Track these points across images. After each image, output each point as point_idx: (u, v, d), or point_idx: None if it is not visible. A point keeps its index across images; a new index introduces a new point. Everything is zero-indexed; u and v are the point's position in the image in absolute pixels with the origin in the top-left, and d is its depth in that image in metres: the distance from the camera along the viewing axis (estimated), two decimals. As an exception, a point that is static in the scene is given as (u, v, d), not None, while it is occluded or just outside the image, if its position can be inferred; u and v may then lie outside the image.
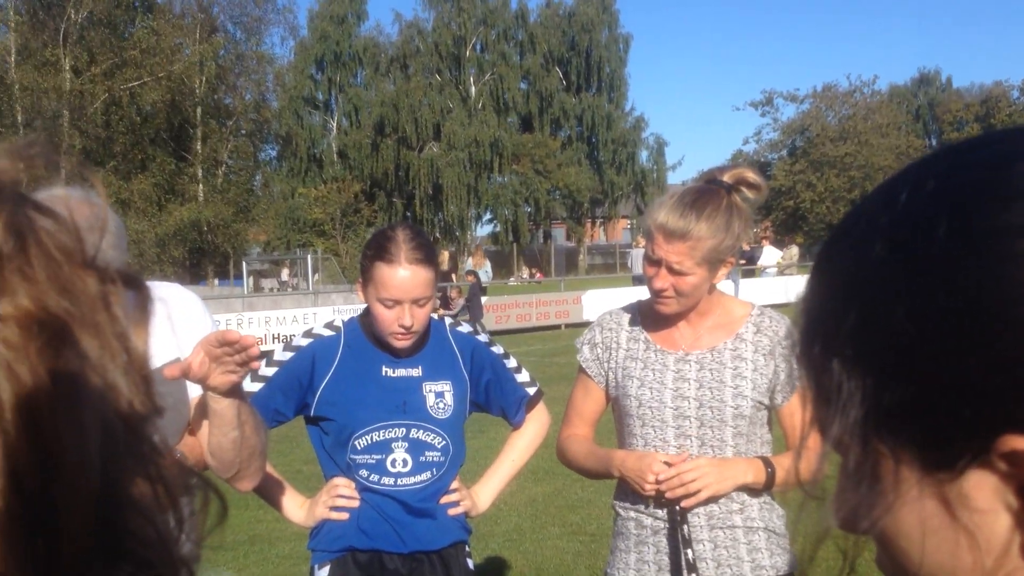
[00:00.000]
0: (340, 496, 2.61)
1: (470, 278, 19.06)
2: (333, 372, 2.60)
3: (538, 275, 39.68)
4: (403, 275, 2.49)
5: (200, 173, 37.86)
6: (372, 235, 2.65)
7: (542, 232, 51.82)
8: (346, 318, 2.75)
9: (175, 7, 37.52)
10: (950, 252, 0.50)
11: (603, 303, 20.48)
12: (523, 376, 2.83)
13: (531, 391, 2.82)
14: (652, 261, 2.33)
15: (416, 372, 2.63)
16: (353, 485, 2.61)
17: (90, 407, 0.44)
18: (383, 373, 2.61)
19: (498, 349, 2.81)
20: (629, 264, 25.26)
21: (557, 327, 20.53)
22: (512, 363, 2.82)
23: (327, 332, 2.68)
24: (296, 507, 2.67)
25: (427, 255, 2.54)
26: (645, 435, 2.41)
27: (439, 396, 2.63)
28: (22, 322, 0.42)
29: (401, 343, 2.56)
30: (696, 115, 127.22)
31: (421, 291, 2.52)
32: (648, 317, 2.49)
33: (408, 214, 46.01)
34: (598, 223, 55.96)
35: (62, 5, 32.47)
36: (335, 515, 2.60)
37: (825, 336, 0.56)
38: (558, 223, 52.45)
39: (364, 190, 43.22)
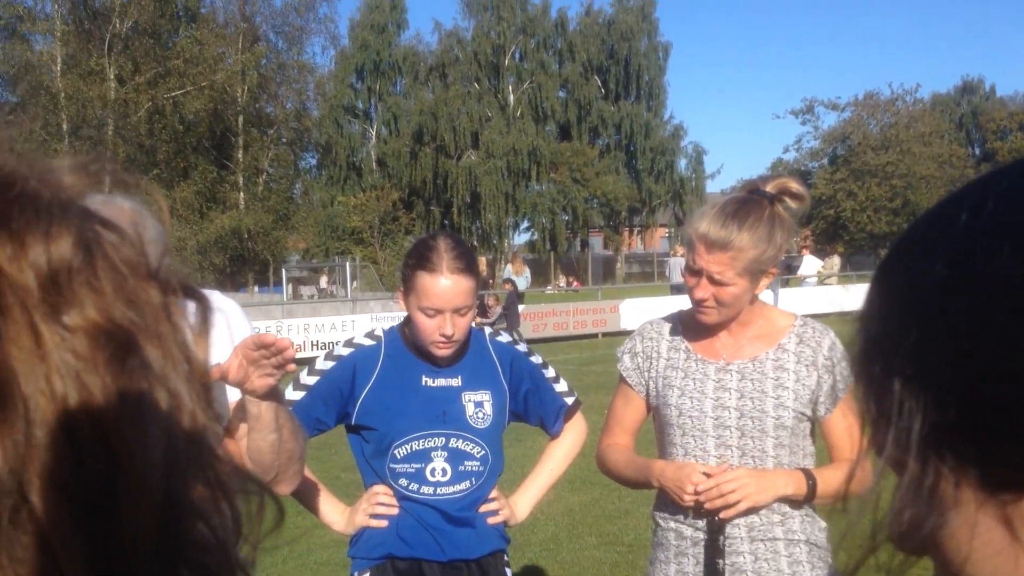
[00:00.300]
0: (380, 504, 2.62)
1: (507, 286, 19.07)
2: (374, 381, 2.62)
3: (575, 284, 39.63)
4: (444, 284, 2.50)
5: (241, 181, 38.31)
6: (413, 244, 2.66)
7: (579, 240, 51.76)
8: (386, 327, 2.77)
9: (218, 17, 38.06)
10: (1012, 272, 0.50)
11: (640, 312, 20.39)
12: (561, 386, 2.83)
13: (569, 401, 2.82)
14: (693, 271, 2.33)
15: (456, 382, 2.64)
16: (392, 493, 2.62)
17: (155, 416, 0.45)
18: (423, 383, 2.62)
19: (537, 359, 2.81)
20: (667, 273, 25.07)
21: (594, 336, 20.49)
22: (551, 373, 2.82)
23: (368, 342, 2.70)
24: (336, 514, 2.69)
25: (468, 264, 2.55)
26: (685, 445, 2.40)
27: (478, 406, 2.64)
28: (90, 333, 0.42)
29: (442, 352, 2.57)
30: (735, 123, 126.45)
31: (462, 300, 2.53)
32: (689, 327, 2.48)
33: (446, 222, 46.17)
34: (635, 232, 55.80)
35: (107, 15, 33.02)
36: (375, 523, 2.62)
37: (885, 355, 0.55)
38: (595, 231, 52.36)
39: (402, 198, 43.45)
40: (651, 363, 2.51)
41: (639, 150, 50.87)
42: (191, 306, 0.49)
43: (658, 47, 51.71)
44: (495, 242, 46.94)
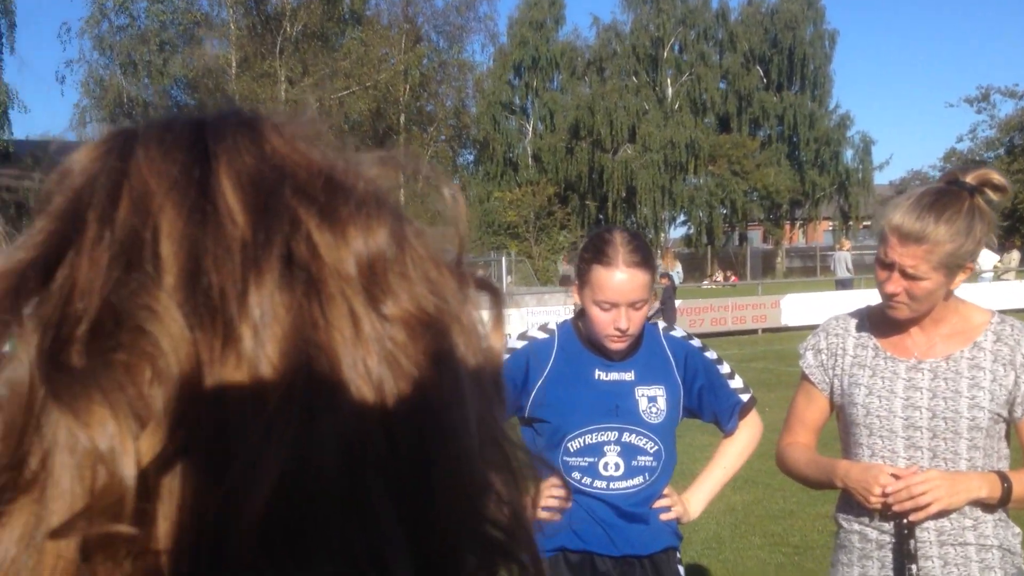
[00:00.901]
0: (552, 496, 2.63)
1: (664, 281, 18.86)
2: (547, 374, 2.64)
3: (733, 278, 38.84)
4: (620, 278, 2.49)
5: (402, 179, 39.27)
6: (589, 238, 2.67)
7: (737, 234, 50.70)
8: (539, 321, 2.78)
9: (382, 19, 39.11)
10: None
11: (803, 308, 19.81)
12: (736, 382, 2.78)
13: (744, 398, 2.77)
14: (884, 264, 2.24)
15: (629, 376, 2.63)
16: (565, 486, 2.63)
17: (469, 402, 0.46)
18: (596, 376, 2.63)
19: (712, 354, 2.77)
20: (832, 267, 24.25)
21: (753, 332, 20.04)
22: (725, 369, 2.78)
23: (541, 335, 2.72)
24: None
25: (644, 258, 2.53)
26: (872, 445, 2.32)
27: (652, 400, 2.62)
28: (406, 322, 0.43)
29: (616, 345, 2.57)
30: (905, 112, 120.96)
31: (638, 294, 2.52)
32: (878, 322, 2.39)
33: (601, 216, 46.08)
34: (797, 225, 54.23)
35: (279, 20, 34.44)
36: (546, 515, 2.63)
37: None
38: (754, 225, 51.18)
39: (558, 193, 43.59)
40: (836, 360, 2.43)
41: (802, 141, 49.35)
42: (484, 298, 0.50)
43: (824, 35, 50.02)
44: (651, 236, 46.47)
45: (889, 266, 2.22)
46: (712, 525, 6.31)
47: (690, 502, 2.73)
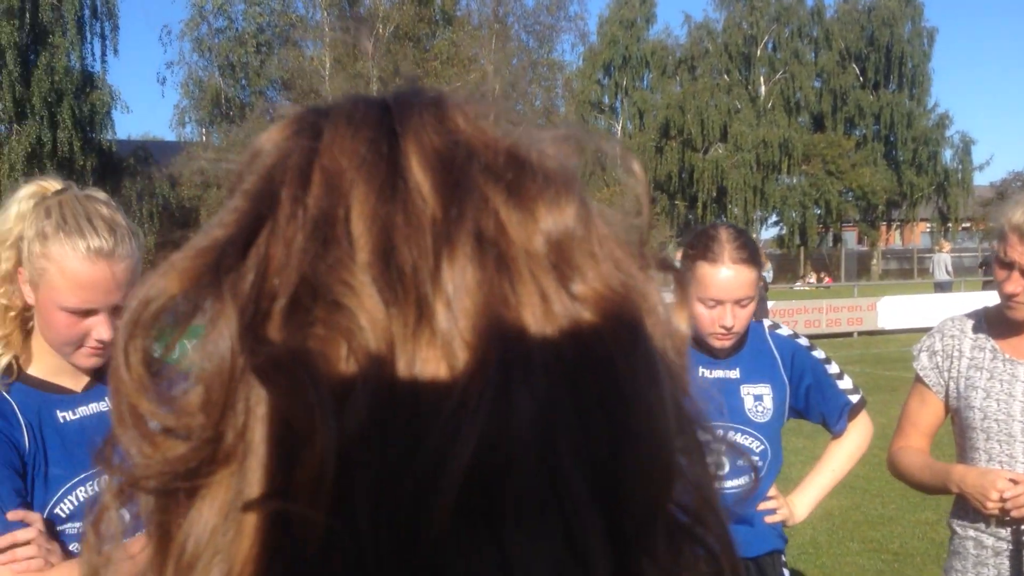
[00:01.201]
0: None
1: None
2: None
3: (827, 280, 38.03)
4: (726, 275, 2.47)
5: (492, 178, 39.49)
6: (693, 234, 2.65)
7: (831, 235, 49.62)
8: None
9: (473, 19, 39.34)
10: None
11: (901, 311, 19.31)
12: (845, 383, 2.73)
13: (854, 399, 2.72)
14: (1004, 263, 2.18)
15: (734, 374, 2.61)
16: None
17: (662, 381, 0.45)
18: (700, 374, 2.61)
19: (820, 353, 2.73)
20: (930, 270, 23.57)
21: (849, 334, 19.61)
22: (834, 368, 2.73)
23: None
24: None
25: (751, 254, 2.51)
26: (989, 450, 2.26)
27: (758, 399, 2.59)
28: (594, 302, 0.43)
29: (721, 343, 2.55)
30: (1007, 112, 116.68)
31: (744, 291, 2.49)
32: (996, 324, 2.33)
33: (690, 216, 45.60)
34: (894, 226, 52.81)
35: (371, 21, 34.93)
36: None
37: None
38: (849, 226, 50.00)
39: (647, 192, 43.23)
40: (952, 362, 2.37)
41: (900, 140, 48.06)
42: (669, 278, 0.49)
43: (923, 32, 48.65)
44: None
45: (1009, 265, 2.17)
46: (808, 530, 6.21)
47: (796, 505, 2.70)
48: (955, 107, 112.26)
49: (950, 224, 47.78)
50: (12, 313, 1.78)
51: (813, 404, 2.68)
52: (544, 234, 0.43)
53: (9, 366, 1.78)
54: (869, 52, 48.28)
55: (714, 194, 45.97)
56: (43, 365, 1.82)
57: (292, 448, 0.39)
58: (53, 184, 1.82)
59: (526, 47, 41.15)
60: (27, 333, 1.82)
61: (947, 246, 25.56)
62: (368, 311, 0.40)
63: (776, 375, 2.63)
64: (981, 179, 48.31)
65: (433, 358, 0.40)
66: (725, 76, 47.91)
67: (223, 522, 0.41)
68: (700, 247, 2.53)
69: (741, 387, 2.59)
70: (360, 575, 0.39)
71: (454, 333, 0.40)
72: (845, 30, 47.88)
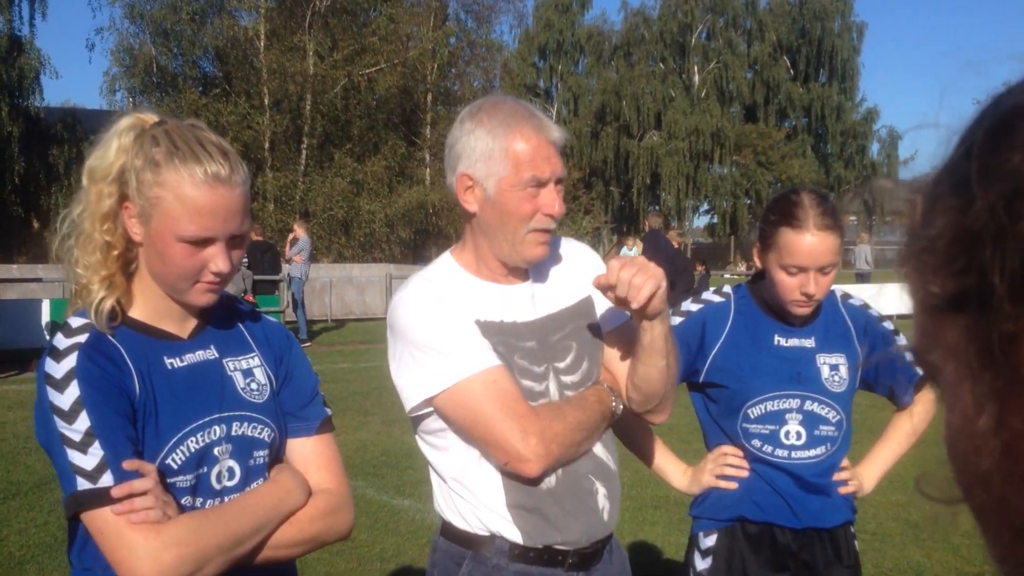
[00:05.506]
0: (728, 465, 2.55)
1: (701, 268, 18.76)
2: (725, 338, 2.55)
3: (756, 268, 38.66)
4: (811, 241, 2.39)
5: (428, 157, 39.13)
6: (775, 199, 2.57)
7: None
8: (734, 284, 2.70)
9: (412, -4, 38.86)
10: None
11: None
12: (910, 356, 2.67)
13: (921, 371, 2.67)
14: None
15: (809, 343, 2.54)
16: (742, 454, 2.54)
17: None
18: (775, 342, 2.54)
19: (889, 324, 2.68)
20: (851, 260, 24.12)
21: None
22: (903, 340, 2.68)
23: (717, 298, 2.64)
24: (679, 473, 2.63)
25: (836, 221, 2.44)
26: None
27: (834, 369, 2.53)
28: None
29: (802, 310, 2.48)
30: (933, 107, 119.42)
31: (828, 258, 2.42)
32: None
33: (624, 203, 45.92)
34: (820, 218, 54.00)
35: (308, -5, 34.23)
36: (723, 484, 2.55)
37: None
38: (777, 217, 50.94)
39: (583, 178, 43.36)
40: None
41: (829, 133, 49.10)
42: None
43: (852, 27, 49.72)
44: (674, 224, 46.29)
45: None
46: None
47: (864, 477, 2.64)
48: (883, 102, 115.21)
49: (875, 217, 48.92)
50: (116, 252, 1.62)
51: (883, 376, 2.63)
52: None
53: (113, 310, 1.63)
54: (800, 45, 49.15)
55: (648, 181, 46.35)
56: (147, 309, 1.67)
57: None
58: (151, 117, 1.68)
59: (464, 27, 40.83)
60: (129, 276, 1.67)
61: (866, 238, 26.18)
62: None
63: (850, 345, 2.57)
64: (907, 173, 49.18)
65: None
66: (660, 64, 48.26)
67: None
68: (783, 213, 2.44)
69: (817, 356, 2.53)
70: None
71: None
72: (778, 22, 48.65)
